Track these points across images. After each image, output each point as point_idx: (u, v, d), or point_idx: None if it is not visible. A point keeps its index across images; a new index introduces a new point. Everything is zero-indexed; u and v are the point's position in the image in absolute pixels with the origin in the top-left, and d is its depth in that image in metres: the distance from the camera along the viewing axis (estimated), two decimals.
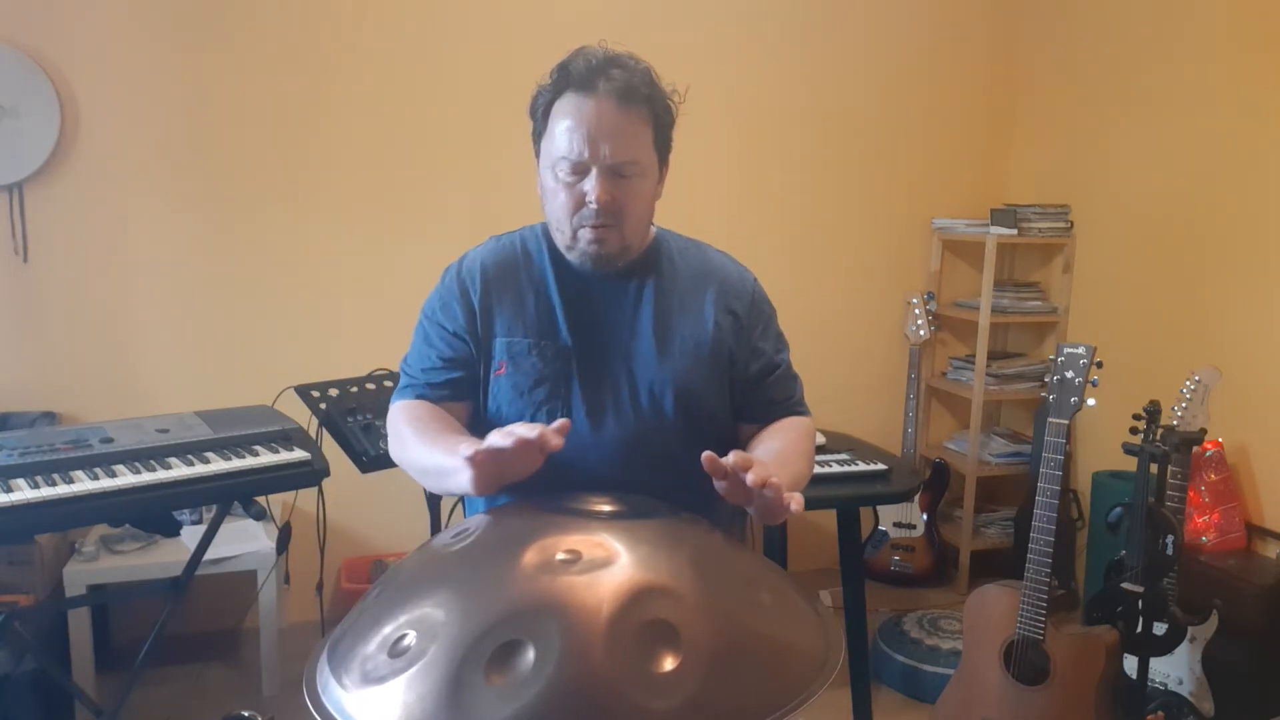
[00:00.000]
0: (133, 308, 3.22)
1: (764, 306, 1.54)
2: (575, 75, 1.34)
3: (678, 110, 1.43)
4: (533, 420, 1.42)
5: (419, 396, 1.47)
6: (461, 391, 1.47)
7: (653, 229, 1.51)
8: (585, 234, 1.37)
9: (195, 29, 3.15)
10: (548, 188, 1.38)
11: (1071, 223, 3.73)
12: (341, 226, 3.36)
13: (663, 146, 1.41)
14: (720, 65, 3.66)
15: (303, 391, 2.46)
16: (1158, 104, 3.34)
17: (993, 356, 3.84)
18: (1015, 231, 3.65)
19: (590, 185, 1.33)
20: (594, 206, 1.34)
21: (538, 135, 1.40)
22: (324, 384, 2.51)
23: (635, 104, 1.34)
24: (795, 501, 1.16)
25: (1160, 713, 2.56)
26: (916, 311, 3.76)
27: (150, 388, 3.23)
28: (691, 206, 3.63)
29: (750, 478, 1.13)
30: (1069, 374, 2.29)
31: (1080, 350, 2.29)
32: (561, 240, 1.41)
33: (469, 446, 1.15)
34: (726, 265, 1.53)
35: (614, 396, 1.42)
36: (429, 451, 1.33)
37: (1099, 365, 2.29)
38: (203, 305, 3.28)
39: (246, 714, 1.79)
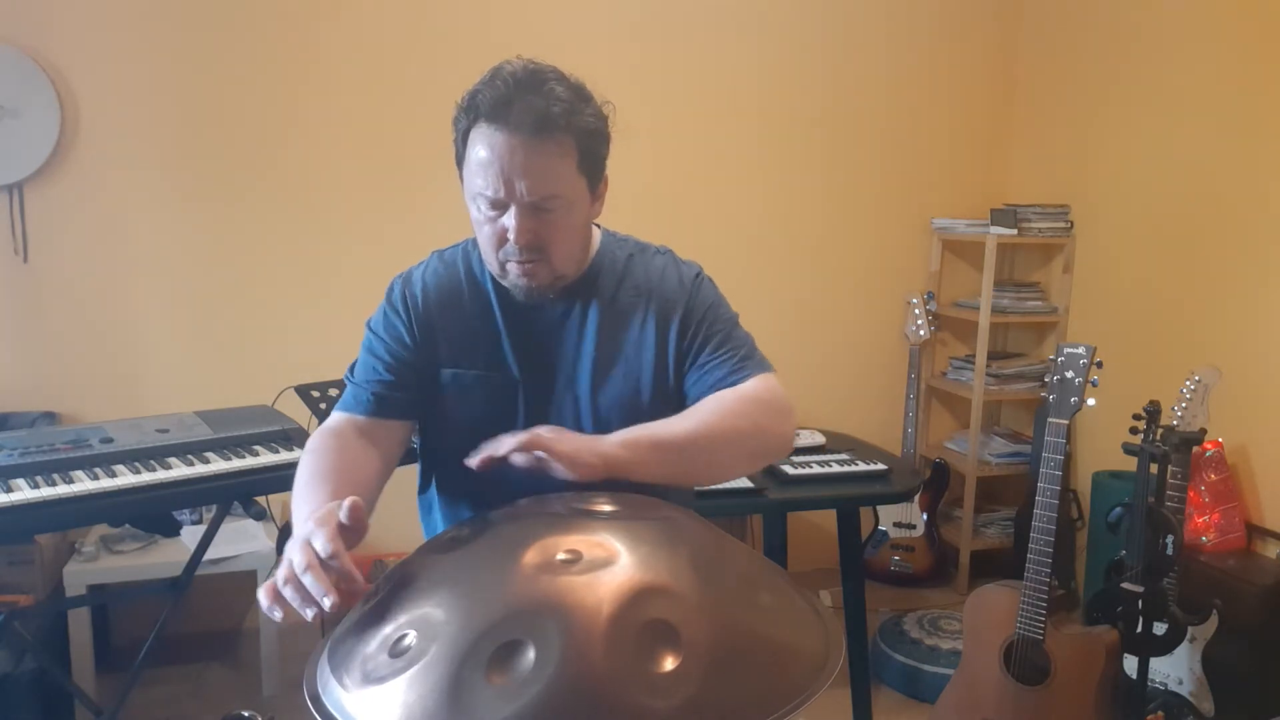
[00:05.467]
0: (133, 307, 3.22)
1: (704, 298, 1.44)
2: (484, 105, 1.24)
3: (612, 125, 1.33)
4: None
5: (356, 410, 1.40)
6: (401, 409, 1.41)
7: (596, 237, 1.45)
8: (513, 268, 1.31)
9: (195, 29, 3.15)
10: (473, 218, 1.32)
11: (1071, 223, 3.73)
12: (342, 226, 3.36)
13: (591, 169, 1.31)
14: (720, 67, 3.66)
15: (303, 391, 2.47)
16: (1157, 104, 3.34)
17: (993, 356, 3.84)
18: (1015, 231, 3.65)
19: (510, 222, 1.27)
20: (514, 245, 1.28)
21: (458, 161, 1.32)
22: (324, 384, 2.51)
23: (552, 134, 1.24)
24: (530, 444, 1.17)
25: (1160, 713, 2.56)
26: (916, 311, 3.76)
27: (150, 388, 3.23)
28: (691, 207, 3.65)
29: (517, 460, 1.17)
30: (1069, 374, 2.29)
31: (1080, 350, 2.29)
32: (492, 270, 1.36)
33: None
34: (666, 270, 1.45)
35: (559, 425, 1.34)
36: (300, 500, 1.26)
37: (1099, 365, 2.29)
38: (203, 305, 3.28)
39: (246, 714, 1.79)
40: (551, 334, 1.40)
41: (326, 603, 0.98)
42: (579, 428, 1.37)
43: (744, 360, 1.40)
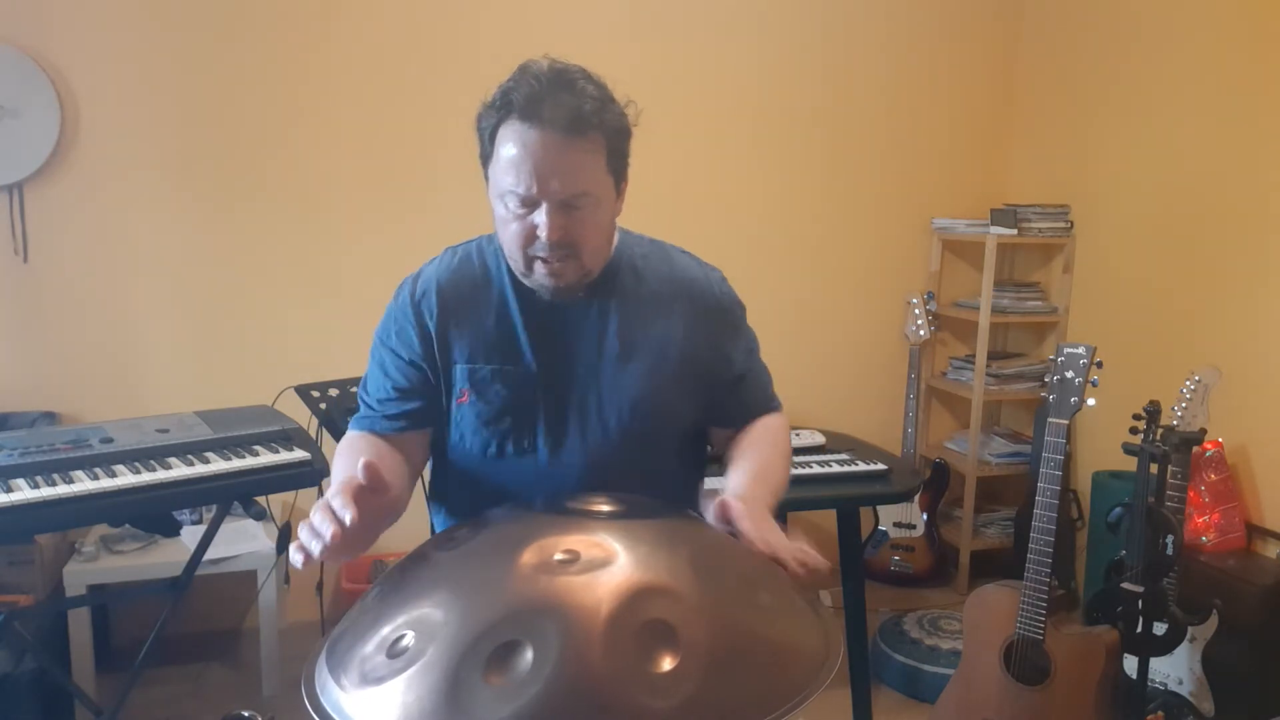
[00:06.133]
0: (133, 308, 3.22)
1: (732, 309, 1.48)
2: (518, 102, 1.25)
3: (634, 124, 1.35)
4: (499, 449, 1.39)
5: (373, 429, 1.43)
6: (418, 420, 1.43)
7: (614, 235, 1.45)
8: (540, 266, 1.31)
9: (195, 29, 3.15)
10: (499, 215, 1.32)
11: (1071, 223, 3.73)
12: (342, 225, 3.36)
13: (617, 168, 1.33)
14: (719, 67, 3.66)
15: (303, 391, 2.46)
16: (1158, 104, 3.34)
17: (993, 356, 3.84)
18: (1015, 231, 3.65)
19: (541, 220, 1.27)
20: (546, 241, 1.28)
21: (484, 159, 1.33)
22: (324, 384, 2.50)
23: (585, 132, 1.25)
24: (813, 563, 1.12)
25: (1160, 713, 2.56)
26: (916, 311, 3.76)
27: (150, 388, 3.23)
28: (691, 207, 3.64)
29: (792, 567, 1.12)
30: (1069, 374, 2.29)
31: (1080, 350, 2.29)
32: (516, 268, 1.36)
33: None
34: (691, 269, 1.48)
35: (581, 420, 1.38)
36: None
37: (1099, 365, 2.29)
38: (203, 305, 3.28)
39: (246, 714, 1.79)
40: (570, 328, 1.41)
41: (327, 532, 1.07)
42: (601, 420, 1.39)
43: (769, 385, 1.53)
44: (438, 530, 1.53)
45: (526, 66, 1.28)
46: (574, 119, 1.24)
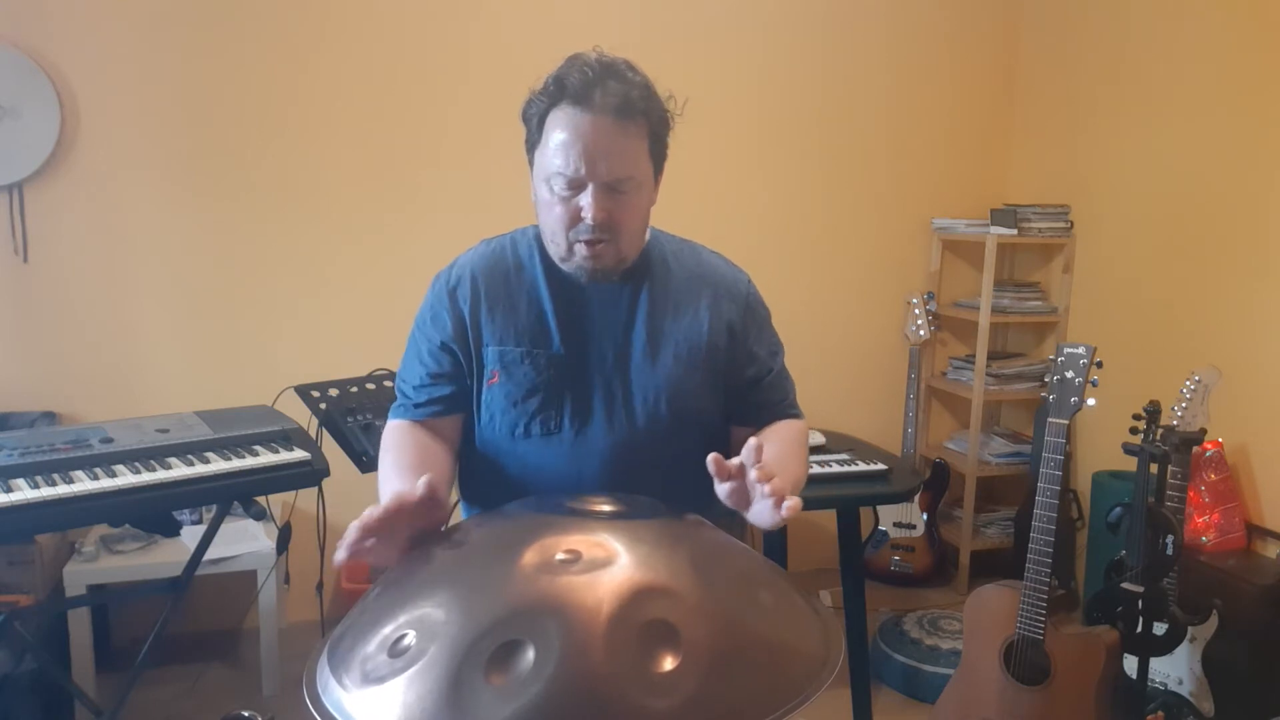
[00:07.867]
0: (133, 308, 3.22)
1: (758, 309, 1.52)
2: (571, 88, 1.30)
3: (674, 117, 1.41)
4: (526, 430, 1.42)
5: (408, 417, 1.48)
6: (451, 406, 1.48)
7: (647, 231, 1.50)
8: (581, 249, 1.35)
9: (196, 29, 3.15)
10: (542, 199, 1.36)
11: (1071, 223, 3.73)
12: (342, 226, 3.36)
13: (658, 156, 1.39)
14: (719, 68, 3.66)
15: (303, 391, 2.46)
16: (1158, 104, 3.34)
17: (993, 356, 3.84)
18: (1015, 231, 3.65)
19: (586, 201, 1.31)
20: (590, 223, 1.32)
21: (531, 145, 1.37)
22: (324, 384, 2.51)
23: (632, 118, 1.31)
24: (790, 506, 1.13)
25: (1160, 713, 2.56)
26: (916, 311, 3.76)
27: (150, 388, 3.23)
28: (691, 207, 3.63)
29: (754, 474, 1.13)
30: (1069, 374, 2.29)
31: (1080, 350, 2.29)
32: (556, 252, 1.40)
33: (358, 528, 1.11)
34: (720, 267, 1.52)
35: (607, 404, 1.42)
36: (383, 490, 1.36)
37: (1099, 365, 2.29)
38: (203, 305, 3.28)
39: (246, 714, 1.79)
40: (601, 314, 1.44)
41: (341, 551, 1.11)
42: (627, 405, 1.42)
43: (792, 392, 1.56)
44: (464, 513, 1.57)
45: (576, 56, 1.34)
46: (623, 104, 1.29)
